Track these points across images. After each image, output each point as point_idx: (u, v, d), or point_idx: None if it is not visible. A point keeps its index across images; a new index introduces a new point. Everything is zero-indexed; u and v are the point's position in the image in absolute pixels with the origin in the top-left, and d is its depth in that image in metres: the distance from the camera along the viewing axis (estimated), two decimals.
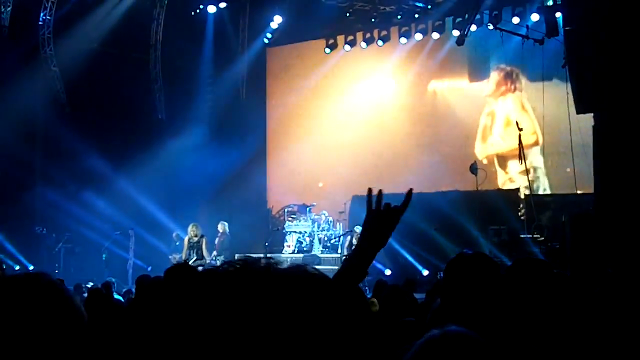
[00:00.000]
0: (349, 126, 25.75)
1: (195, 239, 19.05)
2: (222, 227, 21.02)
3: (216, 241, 20.95)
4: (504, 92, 23.42)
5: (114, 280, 13.79)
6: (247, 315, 1.17)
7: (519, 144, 18.19)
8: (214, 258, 19.73)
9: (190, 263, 16.87)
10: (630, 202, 13.88)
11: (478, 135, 23.71)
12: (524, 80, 23.03)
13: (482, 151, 23.44)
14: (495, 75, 23.61)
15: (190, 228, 19.24)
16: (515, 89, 23.28)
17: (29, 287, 2.17)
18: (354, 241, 19.81)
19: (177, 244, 20.91)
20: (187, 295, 1.25)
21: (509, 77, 23.31)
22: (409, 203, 2.55)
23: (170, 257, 20.61)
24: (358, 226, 20.15)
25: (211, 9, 25.46)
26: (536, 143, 22.25)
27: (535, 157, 22.33)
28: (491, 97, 23.71)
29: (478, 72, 23.96)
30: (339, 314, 1.26)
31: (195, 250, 18.82)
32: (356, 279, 2.36)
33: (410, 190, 2.59)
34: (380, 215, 2.49)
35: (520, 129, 18.26)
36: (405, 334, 4.86)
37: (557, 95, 19.87)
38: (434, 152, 24.02)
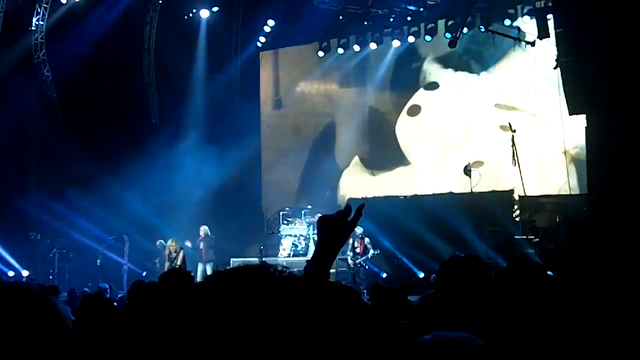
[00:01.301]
0: (342, 129, 25.80)
1: (174, 254, 19.65)
2: (204, 230, 21.17)
3: (201, 245, 20.97)
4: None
5: (107, 286, 13.71)
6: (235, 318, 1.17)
7: (512, 146, 18.22)
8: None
9: None
10: (624, 202, 13.92)
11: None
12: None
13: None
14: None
15: (169, 243, 19.92)
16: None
17: (7, 298, 2.16)
18: (357, 244, 19.87)
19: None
20: (183, 301, 1.25)
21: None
22: (359, 217, 2.61)
23: (156, 261, 20.94)
24: (359, 227, 20.22)
25: (204, 13, 25.47)
26: None
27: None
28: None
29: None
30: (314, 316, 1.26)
31: (175, 265, 19.02)
32: (318, 283, 2.38)
33: (362, 205, 2.64)
34: (334, 222, 2.54)
35: (514, 131, 18.30)
36: (401, 338, 4.86)
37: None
38: (433, 150, 24.09)
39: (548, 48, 19.19)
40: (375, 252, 19.98)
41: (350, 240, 20.43)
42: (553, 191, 21.72)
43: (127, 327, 3.86)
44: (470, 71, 23.93)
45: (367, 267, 20.07)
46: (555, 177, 21.68)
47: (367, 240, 19.96)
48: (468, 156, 22.35)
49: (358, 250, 19.87)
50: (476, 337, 1.85)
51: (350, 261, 19.88)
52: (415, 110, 24.93)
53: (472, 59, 23.80)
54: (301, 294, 1.27)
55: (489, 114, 23.31)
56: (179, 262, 19.12)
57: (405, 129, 24.99)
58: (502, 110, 23.02)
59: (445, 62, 24.36)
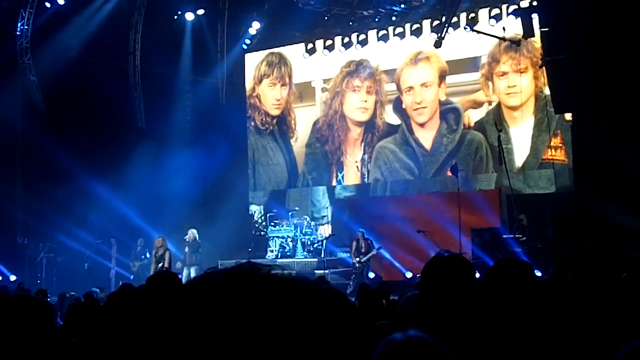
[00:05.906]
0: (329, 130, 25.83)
1: (161, 250, 19.25)
2: (192, 234, 20.91)
3: (185, 249, 20.78)
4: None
5: (98, 290, 13.60)
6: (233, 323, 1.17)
7: (498, 146, 18.30)
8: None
9: None
10: (608, 198, 14.01)
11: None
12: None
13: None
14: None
15: (156, 240, 19.54)
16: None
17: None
18: (362, 244, 19.96)
19: (137, 249, 21.14)
20: (175, 305, 1.24)
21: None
22: None
23: (130, 264, 20.85)
24: (360, 229, 20.31)
25: (189, 16, 25.44)
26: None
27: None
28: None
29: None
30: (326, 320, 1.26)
31: (161, 264, 18.79)
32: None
33: None
34: None
35: (500, 130, 18.38)
36: (378, 338, 4.88)
37: None
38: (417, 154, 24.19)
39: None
40: (377, 247, 20.07)
41: (354, 243, 20.47)
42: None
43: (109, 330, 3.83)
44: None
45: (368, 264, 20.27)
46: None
47: (369, 240, 20.17)
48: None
49: (363, 250, 20.00)
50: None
51: (356, 260, 20.01)
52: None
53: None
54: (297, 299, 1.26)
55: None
56: (166, 264, 18.79)
57: None
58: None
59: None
